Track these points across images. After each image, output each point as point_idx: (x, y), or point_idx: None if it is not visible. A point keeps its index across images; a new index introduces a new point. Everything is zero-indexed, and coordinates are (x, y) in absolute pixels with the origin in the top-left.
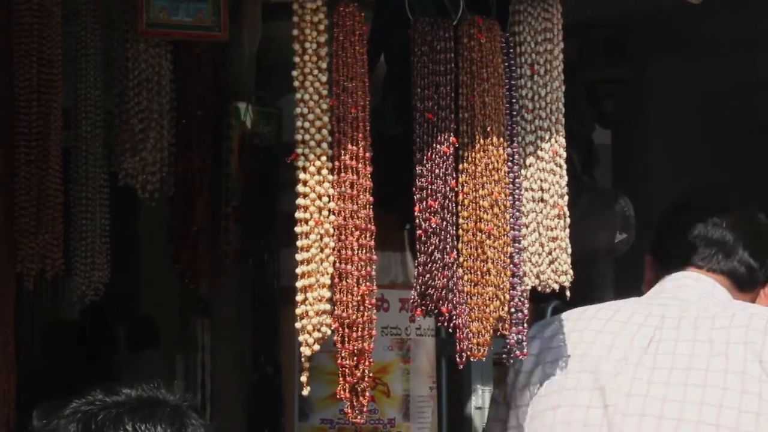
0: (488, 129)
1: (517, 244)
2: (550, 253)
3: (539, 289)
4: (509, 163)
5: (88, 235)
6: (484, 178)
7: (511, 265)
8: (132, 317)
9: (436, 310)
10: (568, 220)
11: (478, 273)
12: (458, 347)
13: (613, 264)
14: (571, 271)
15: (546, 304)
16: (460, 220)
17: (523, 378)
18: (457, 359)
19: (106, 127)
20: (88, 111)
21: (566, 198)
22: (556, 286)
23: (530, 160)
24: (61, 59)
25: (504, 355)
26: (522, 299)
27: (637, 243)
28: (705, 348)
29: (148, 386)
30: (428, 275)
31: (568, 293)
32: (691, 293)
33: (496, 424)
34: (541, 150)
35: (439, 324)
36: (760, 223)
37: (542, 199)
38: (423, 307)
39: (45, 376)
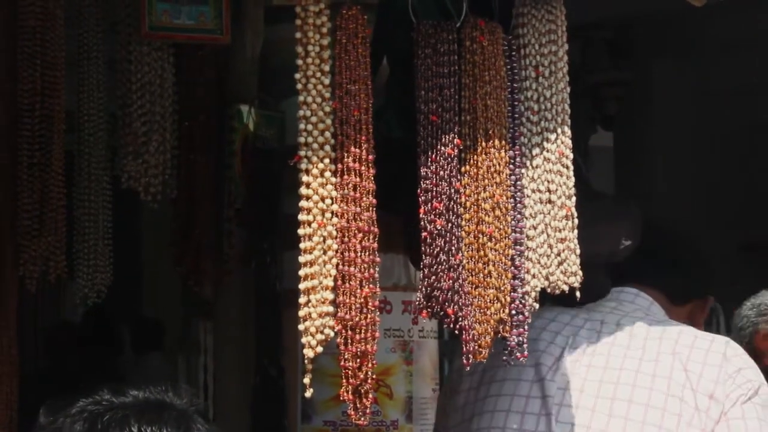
0: (490, 131)
1: (518, 247)
2: (558, 254)
3: (548, 290)
4: (511, 166)
5: (90, 237)
6: (486, 181)
7: (513, 268)
8: (137, 319)
9: (442, 312)
10: (576, 221)
11: (480, 275)
12: (464, 349)
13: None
14: (580, 272)
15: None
16: (462, 223)
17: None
18: (464, 361)
19: (108, 130)
20: (91, 114)
21: (573, 199)
22: (566, 288)
23: (537, 161)
24: (64, 62)
25: (504, 357)
26: (523, 301)
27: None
28: (637, 353)
29: (155, 389)
30: (434, 277)
31: (578, 294)
32: (630, 307)
33: (441, 411)
34: (548, 151)
35: (445, 326)
36: (693, 241)
37: (550, 201)
38: (429, 309)
39: (48, 378)
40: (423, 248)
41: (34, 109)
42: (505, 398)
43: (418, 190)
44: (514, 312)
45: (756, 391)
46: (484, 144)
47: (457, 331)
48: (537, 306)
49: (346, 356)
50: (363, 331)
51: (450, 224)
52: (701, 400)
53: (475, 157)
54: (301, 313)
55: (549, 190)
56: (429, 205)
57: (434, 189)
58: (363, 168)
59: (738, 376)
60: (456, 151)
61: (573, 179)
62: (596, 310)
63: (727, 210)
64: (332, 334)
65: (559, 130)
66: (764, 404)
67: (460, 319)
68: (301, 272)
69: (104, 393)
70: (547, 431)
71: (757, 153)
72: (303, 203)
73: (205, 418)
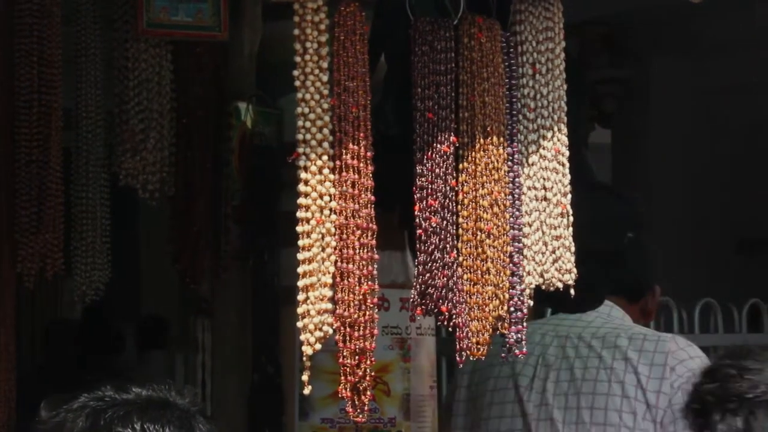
0: (488, 128)
1: (516, 244)
2: (553, 252)
3: (543, 287)
4: (509, 163)
5: (88, 234)
6: (484, 178)
7: (511, 265)
8: (141, 317)
9: (436, 310)
10: (571, 218)
11: (478, 272)
12: (458, 346)
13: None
14: (575, 270)
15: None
16: (460, 220)
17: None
18: (457, 358)
19: (106, 127)
20: (89, 111)
21: (569, 196)
22: (560, 285)
23: (533, 159)
24: (61, 60)
25: (503, 354)
26: (521, 298)
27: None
28: (595, 362)
29: (159, 387)
30: (428, 274)
31: (572, 291)
32: (592, 315)
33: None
34: (544, 149)
35: (439, 323)
36: (635, 238)
37: (545, 198)
38: (423, 307)
39: (46, 375)
40: (418, 245)
41: (32, 107)
42: (494, 421)
43: (414, 188)
44: (512, 309)
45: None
46: (482, 141)
47: (451, 329)
48: (531, 303)
49: (344, 353)
50: (361, 328)
51: (445, 222)
52: (651, 397)
53: (473, 154)
54: (300, 310)
55: (545, 188)
56: (424, 202)
57: (429, 186)
58: (361, 165)
59: (679, 366)
60: (452, 148)
61: (569, 177)
62: (562, 324)
63: (724, 208)
64: (331, 331)
65: (555, 128)
66: None
67: (454, 316)
68: (300, 269)
69: (107, 389)
70: None
71: (755, 151)
72: (301, 200)
73: (207, 418)
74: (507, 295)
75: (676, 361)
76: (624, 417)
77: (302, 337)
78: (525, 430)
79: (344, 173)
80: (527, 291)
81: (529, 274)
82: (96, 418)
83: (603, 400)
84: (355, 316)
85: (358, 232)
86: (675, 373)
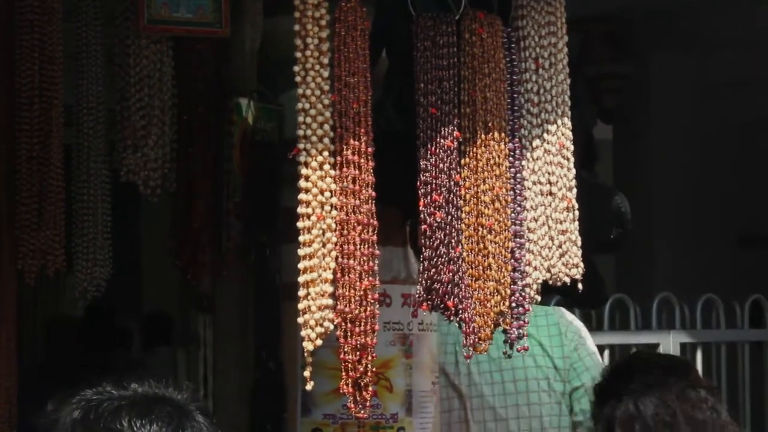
0: (490, 124)
1: (518, 239)
2: (560, 246)
3: (550, 282)
4: (511, 158)
5: (89, 231)
6: (486, 173)
7: (512, 260)
8: (142, 314)
9: (442, 305)
10: (577, 212)
11: (480, 268)
12: (465, 341)
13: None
14: (582, 264)
15: (548, 299)
16: (462, 215)
17: None
18: (464, 354)
19: (107, 123)
20: (90, 107)
21: (575, 191)
22: (567, 280)
23: (537, 153)
24: (62, 56)
25: (505, 350)
26: (523, 294)
27: (638, 238)
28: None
29: (156, 383)
30: (434, 270)
31: (580, 286)
32: None
33: None
34: (548, 143)
35: (445, 319)
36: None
37: (551, 193)
38: (429, 302)
39: (47, 372)
40: (423, 241)
41: (33, 103)
42: (443, 402)
43: (418, 183)
44: (514, 304)
45: (580, 335)
46: (483, 136)
47: (457, 324)
48: (539, 298)
49: (345, 349)
50: (363, 323)
51: (450, 217)
52: (558, 362)
53: (475, 149)
54: (301, 306)
55: (550, 182)
56: (428, 197)
57: (434, 182)
58: (362, 160)
59: (569, 329)
60: (455, 143)
61: (573, 171)
62: None
63: (726, 203)
64: (332, 326)
65: (559, 122)
66: (590, 340)
67: (461, 311)
68: (301, 265)
69: (107, 385)
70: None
71: (755, 147)
72: (302, 196)
73: (206, 413)
74: (508, 291)
75: (565, 327)
76: (541, 383)
77: (303, 332)
78: (462, 407)
79: (345, 169)
80: (534, 286)
81: (536, 269)
82: (87, 412)
83: (522, 372)
84: (356, 311)
85: (359, 227)
86: (567, 338)
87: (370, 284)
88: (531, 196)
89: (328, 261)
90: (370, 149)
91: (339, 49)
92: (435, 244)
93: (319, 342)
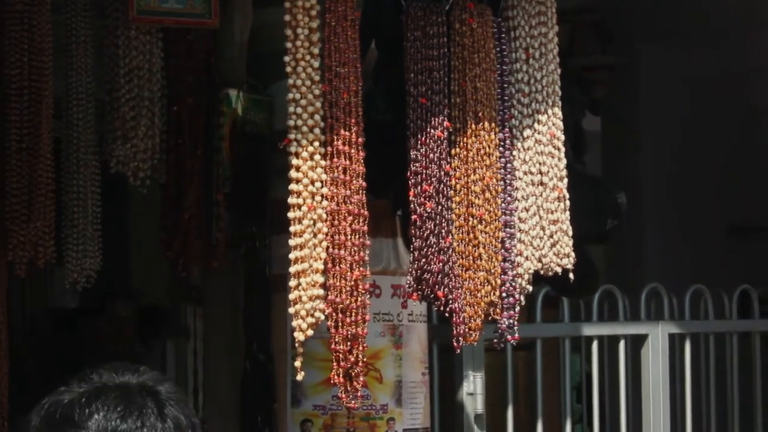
0: (480, 114)
1: (508, 229)
2: (551, 236)
3: (542, 272)
4: (501, 148)
5: (79, 222)
6: (476, 163)
7: (503, 250)
8: (142, 307)
9: (432, 295)
10: (568, 202)
11: (470, 258)
12: (455, 332)
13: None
14: (573, 254)
15: (537, 289)
16: (452, 205)
17: None
18: (454, 343)
19: (97, 115)
20: (80, 99)
21: (566, 180)
22: (559, 270)
23: (528, 143)
24: (51, 47)
25: (495, 340)
26: (513, 284)
27: (626, 229)
28: None
29: (107, 371)
30: (424, 260)
31: (571, 276)
32: None
33: None
34: (539, 133)
35: (435, 309)
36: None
37: (542, 182)
38: (419, 292)
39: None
40: (413, 231)
41: (22, 95)
42: None
43: (408, 173)
44: (504, 295)
45: None
46: (473, 126)
47: (447, 314)
48: (530, 288)
49: (336, 339)
50: (354, 314)
51: (440, 207)
52: None
53: (465, 139)
54: (292, 296)
55: (541, 172)
56: (419, 187)
57: (424, 172)
58: (353, 151)
59: None
60: (446, 133)
61: (564, 161)
62: None
63: (714, 194)
64: (323, 317)
65: (550, 112)
66: None
67: (451, 301)
68: (291, 255)
69: (73, 381)
70: None
71: (745, 138)
72: (293, 186)
73: (182, 405)
74: (499, 281)
75: None
76: None
77: (294, 323)
78: None
79: (336, 159)
80: (526, 276)
81: (527, 259)
82: (44, 413)
83: None
84: (347, 301)
85: (350, 218)
86: None
87: (361, 274)
88: (522, 186)
89: (319, 251)
90: (360, 140)
91: (329, 40)
92: (425, 234)
93: (310, 332)
